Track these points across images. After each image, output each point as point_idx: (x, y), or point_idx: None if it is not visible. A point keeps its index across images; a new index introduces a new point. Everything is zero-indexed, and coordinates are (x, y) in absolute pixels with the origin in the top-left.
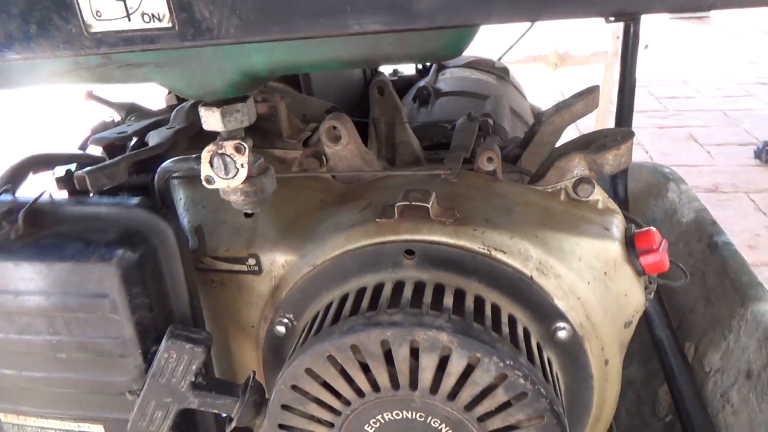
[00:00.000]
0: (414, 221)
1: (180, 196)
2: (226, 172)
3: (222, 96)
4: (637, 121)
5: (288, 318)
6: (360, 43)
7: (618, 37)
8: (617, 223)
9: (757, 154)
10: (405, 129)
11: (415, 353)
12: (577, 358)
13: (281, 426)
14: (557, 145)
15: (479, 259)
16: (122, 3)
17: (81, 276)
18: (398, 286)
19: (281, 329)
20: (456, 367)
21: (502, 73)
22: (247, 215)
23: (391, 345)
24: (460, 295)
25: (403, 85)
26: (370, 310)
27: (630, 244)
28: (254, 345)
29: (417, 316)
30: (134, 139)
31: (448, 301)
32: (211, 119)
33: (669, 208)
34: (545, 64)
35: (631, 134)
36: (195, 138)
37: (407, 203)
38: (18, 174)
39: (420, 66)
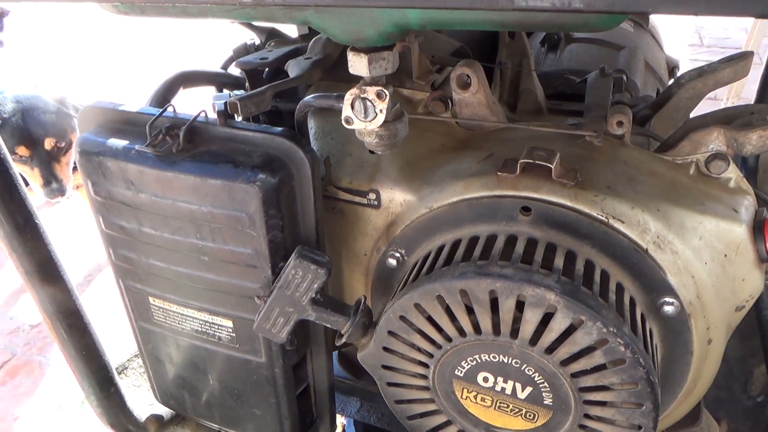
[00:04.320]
0: (534, 179)
1: (311, 125)
2: (366, 115)
3: (371, 44)
4: None
5: (400, 253)
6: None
7: None
8: (747, 205)
9: None
10: (531, 77)
11: (519, 305)
12: (680, 334)
13: (385, 348)
14: (693, 113)
15: (596, 225)
16: None
17: (228, 193)
18: (510, 240)
19: (393, 262)
20: (559, 325)
21: (640, 20)
22: (371, 151)
23: (498, 295)
24: (570, 257)
25: None
26: (482, 259)
27: (758, 229)
28: (364, 271)
29: (527, 273)
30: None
31: (559, 261)
32: (358, 64)
33: None
34: None
35: None
36: (329, 70)
37: (530, 161)
38: (171, 87)
39: None
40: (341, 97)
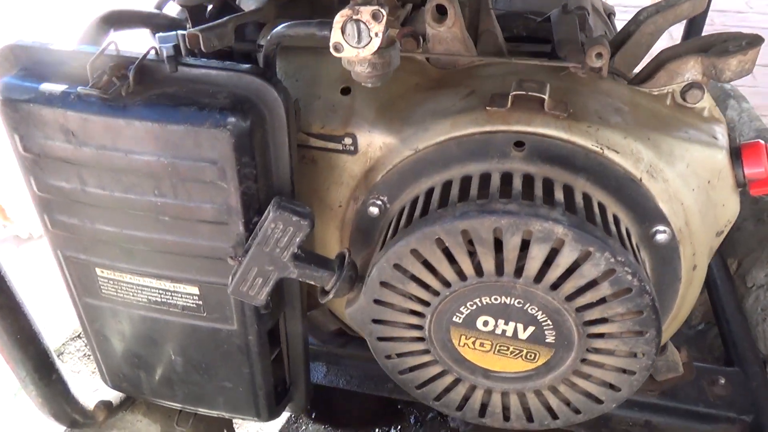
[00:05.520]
0: (526, 112)
1: None
2: (359, 41)
3: None
4: (679, 33)
5: (382, 200)
6: None
7: None
8: (723, 132)
9: None
10: (490, 16)
11: (523, 243)
12: (670, 262)
13: (377, 301)
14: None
15: (591, 156)
16: None
17: (193, 140)
18: (506, 178)
19: (374, 210)
20: (566, 259)
21: None
22: (343, 92)
23: (503, 233)
24: (568, 191)
25: None
26: (480, 198)
27: (735, 155)
28: (339, 224)
29: (532, 207)
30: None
31: (559, 195)
32: None
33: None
34: None
35: (760, 40)
36: (285, 6)
37: (522, 93)
38: (98, 29)
39: None
40: (324, 24)
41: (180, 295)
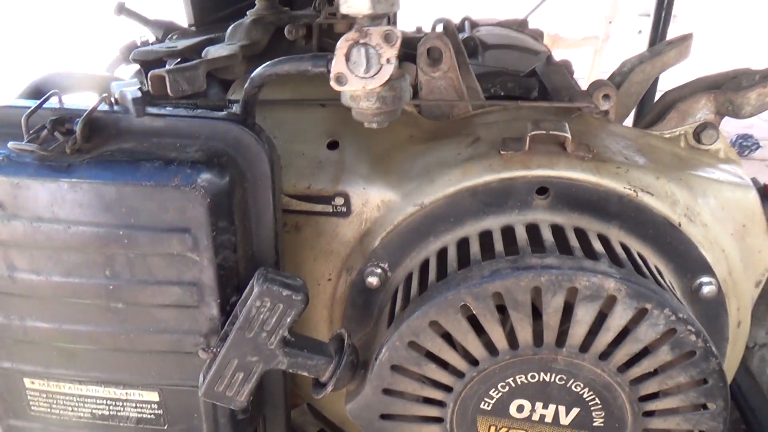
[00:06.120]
0: (547, 155)
1: None
2: (367, 69)
3: None
4: None
5: (382, 267)
6: None
7: (610, 22)
8: (743, 174)
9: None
10: (470, 74)
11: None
12: (716, 318)
13: (387, 391)
14: None
15: (624, 200)
16: None
17: (157, 203)
18: (531, 230)
19: (373, 280)
20: (618, 320)
21: (536, 35)
22: (330, 146)
23: (543, 293)
24: (605, 242)
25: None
26: (509, 254)
27: (763, 196)
28: (328, 301)
29: (575, 260)
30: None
31: (598, 246)
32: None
33: None
34: None
35: None
36: (255, 59)
37: (542, 132)
38: (40, 93)
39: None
40: (320, 57)
41: (134, 405)
